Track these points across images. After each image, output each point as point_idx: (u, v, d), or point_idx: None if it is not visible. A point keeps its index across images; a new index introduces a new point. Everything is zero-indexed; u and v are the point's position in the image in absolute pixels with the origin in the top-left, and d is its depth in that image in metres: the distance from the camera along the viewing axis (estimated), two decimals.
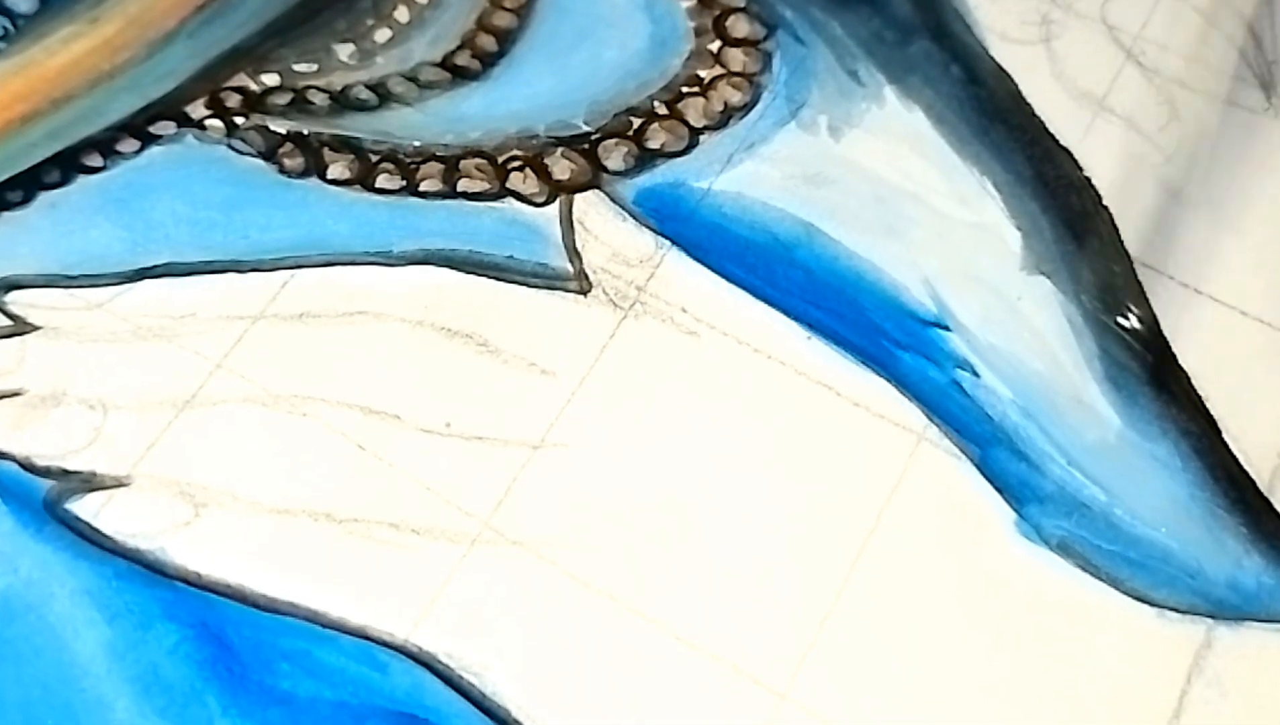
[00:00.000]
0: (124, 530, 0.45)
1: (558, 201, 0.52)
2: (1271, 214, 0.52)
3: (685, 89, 0.55)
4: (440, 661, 0.43)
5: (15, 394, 0.47)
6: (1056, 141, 0.54)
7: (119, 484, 0.46)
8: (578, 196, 0.52)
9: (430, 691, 0.43)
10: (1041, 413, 0.48)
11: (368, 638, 0.44)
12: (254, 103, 0.54)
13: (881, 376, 0.48)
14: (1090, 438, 0.47)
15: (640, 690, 0.43)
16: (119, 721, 0.42)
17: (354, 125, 0.53)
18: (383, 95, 0.54)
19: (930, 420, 0.48)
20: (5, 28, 0.54)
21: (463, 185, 0.52)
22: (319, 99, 0.54)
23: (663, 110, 0.54)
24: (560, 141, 0.53)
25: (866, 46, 0.56)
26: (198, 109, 0.53)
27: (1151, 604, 0.44)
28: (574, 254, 0.51)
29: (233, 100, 0.54)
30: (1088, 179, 0.53)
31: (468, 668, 0.43)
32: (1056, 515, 0.46)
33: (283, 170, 0.52)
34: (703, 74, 0.55)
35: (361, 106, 0.54)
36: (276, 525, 0.45)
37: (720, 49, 0.56)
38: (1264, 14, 0.57)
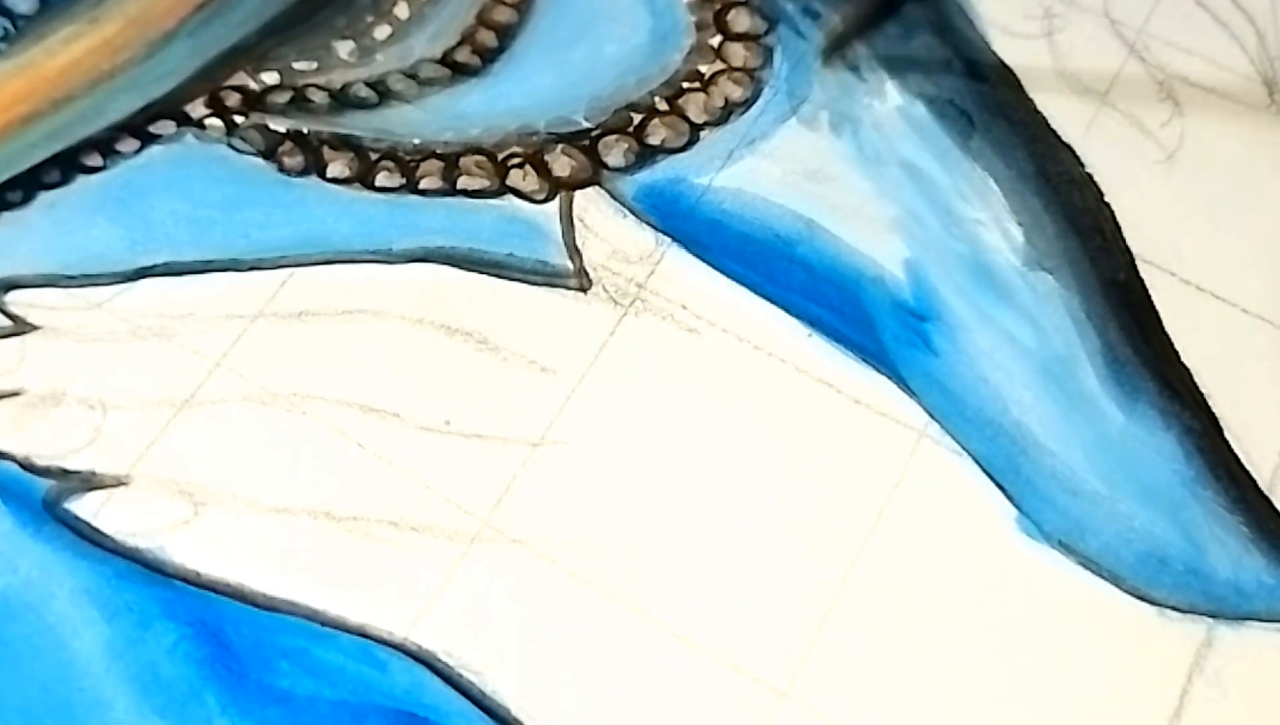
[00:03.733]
0: (123, 529, 0.45)
1: (558, 198, 0.52)
2: (1274, 211, 0.52)
3: (686, 84, 0.55)
4: (440, 659, 0.43)
5: (15, 394, 0.48)
6: (1058, 137, 0.54)
7: (118, 483, 0.46)
8: (578, 193, 0.52)
9: (429, 690, 0.43)
10: (1043, 409, 0.47)
11: (367, 636, 0.44)
12: (254, 101, 0.54)
13: (882, 373, 0.48)
14: (1092, 434, 0.47)
15: (640, 689, 0.43)
16: (118, 720, 0.42)
17: (354, 123, 0.53)
18: (382, 93, 0.54)
19: (931, 417, 0.47)
20: (5, 28, 0.54)
21: (462, 182, 0.52)
22: (319, 97, 0.54)
23: (663, 106, 0.54)
24: (560, 138, 0.53)
25: (868, 41, 0.56)
26: (197, 108, 0.53)
27: (1152, 602, 0.44)
28: (574, 251, 0.51)
29: (232, 99, 0.54)
30: (1089, 175, 0.53)
31: (467, 666, 0.43)
32: (1058, 512, 0.46)
33: (282, 169, 0.52)
34: (703, 69, 0.55)
35: (361, 104, 0.54)
36: (276, 524, 0.45)
37: (721, 44, 0.56)
38: (1267, 10, 0.57)
